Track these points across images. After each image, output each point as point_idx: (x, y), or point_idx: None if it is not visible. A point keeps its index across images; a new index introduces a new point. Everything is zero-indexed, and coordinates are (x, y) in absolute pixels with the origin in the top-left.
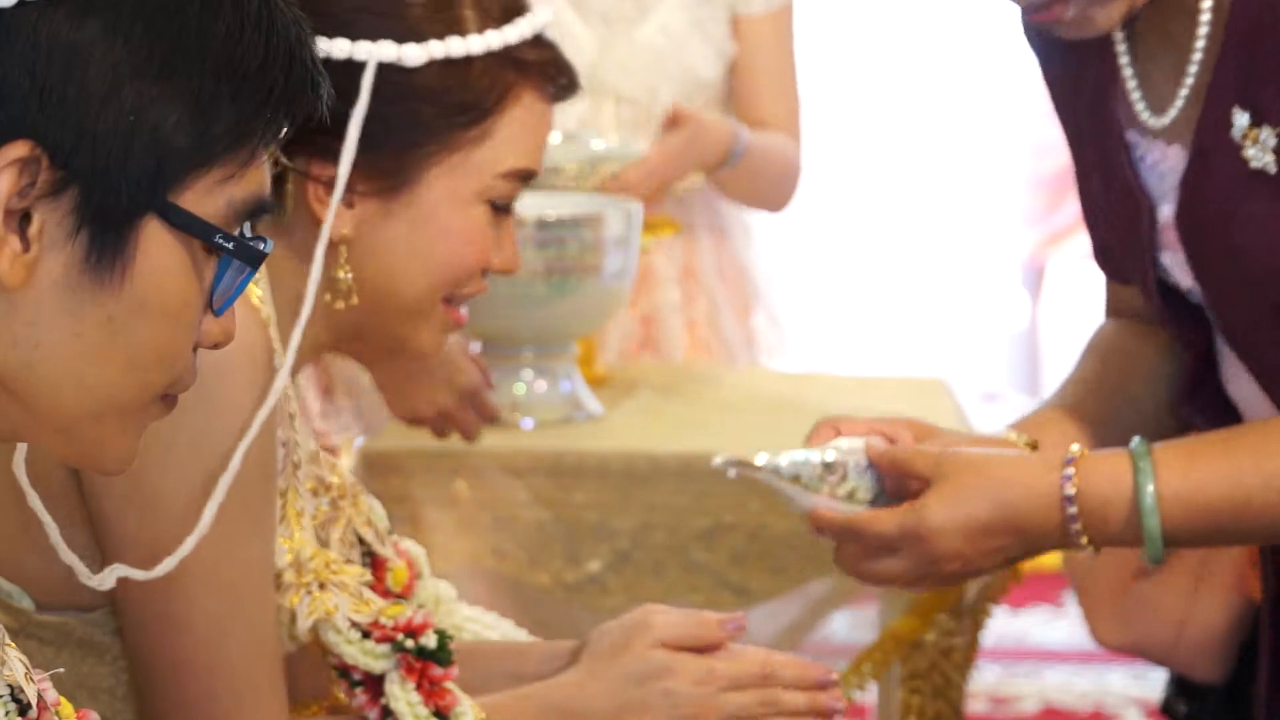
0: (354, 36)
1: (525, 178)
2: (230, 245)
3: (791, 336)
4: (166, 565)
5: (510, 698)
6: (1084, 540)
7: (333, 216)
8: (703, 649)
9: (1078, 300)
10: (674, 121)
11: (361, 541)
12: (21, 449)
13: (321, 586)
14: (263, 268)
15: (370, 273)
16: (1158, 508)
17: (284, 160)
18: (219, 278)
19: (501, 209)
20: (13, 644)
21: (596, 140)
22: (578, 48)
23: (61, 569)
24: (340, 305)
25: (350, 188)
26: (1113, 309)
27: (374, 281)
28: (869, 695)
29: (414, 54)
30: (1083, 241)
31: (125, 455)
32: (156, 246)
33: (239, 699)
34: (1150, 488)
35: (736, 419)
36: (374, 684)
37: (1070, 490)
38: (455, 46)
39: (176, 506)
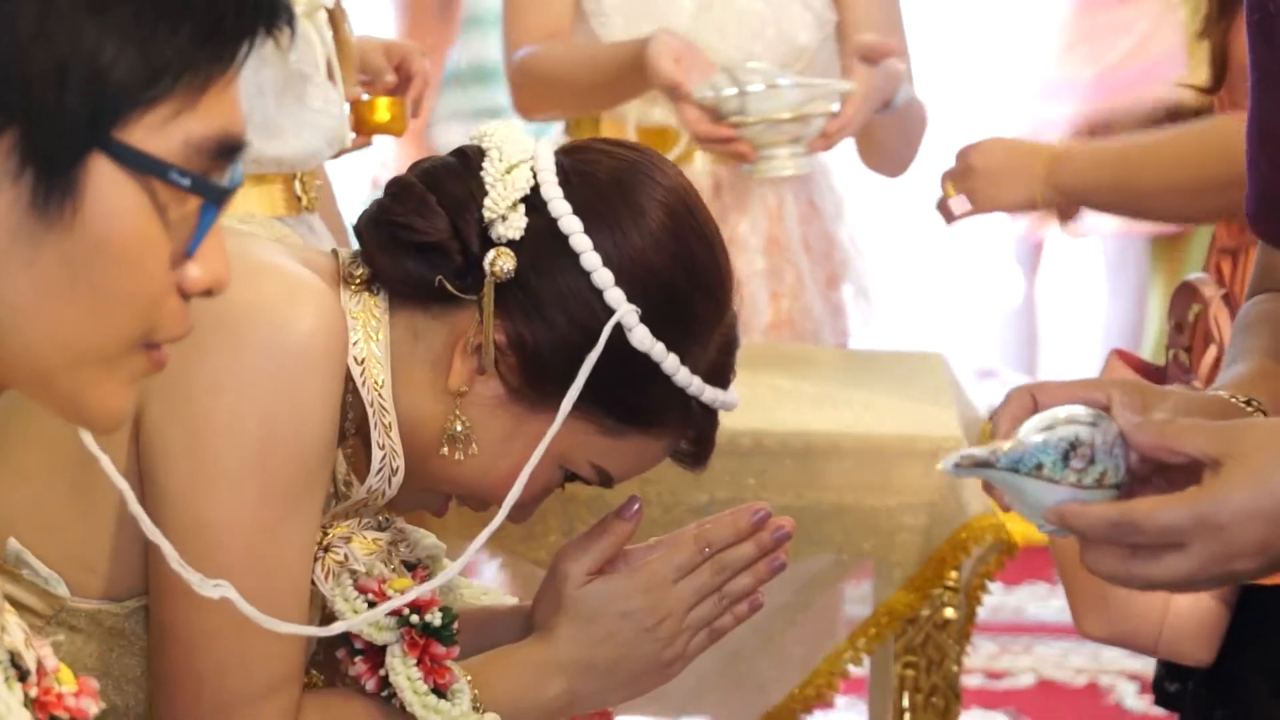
0: (618, 278)
1: (604, 482)
2: (187, 182)
3: (881, 309)
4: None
5: (486, 659)
6: None
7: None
8: (624, 553)
9: (1075, 277)
10: (872, 54)
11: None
12: None
13: (327, 550)
14: (386, 323)
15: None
16: None
17: (485, 292)
18: (203, 221)
19: (568, 480)
20: (12, 610)
21: (781, 79)
22: (676, 9)
23: (103, 553)
24: (459, 457)
25: (498, 360)
26: (1264, 283)
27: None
28: (864, 669)
29: (642, 339)
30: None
31: (112, 410)
32: (108, 185)
33: (249, 675)
34: None
35: None
36: (375, 655)
37: None
38: (669, 364)
39: (227, 477)
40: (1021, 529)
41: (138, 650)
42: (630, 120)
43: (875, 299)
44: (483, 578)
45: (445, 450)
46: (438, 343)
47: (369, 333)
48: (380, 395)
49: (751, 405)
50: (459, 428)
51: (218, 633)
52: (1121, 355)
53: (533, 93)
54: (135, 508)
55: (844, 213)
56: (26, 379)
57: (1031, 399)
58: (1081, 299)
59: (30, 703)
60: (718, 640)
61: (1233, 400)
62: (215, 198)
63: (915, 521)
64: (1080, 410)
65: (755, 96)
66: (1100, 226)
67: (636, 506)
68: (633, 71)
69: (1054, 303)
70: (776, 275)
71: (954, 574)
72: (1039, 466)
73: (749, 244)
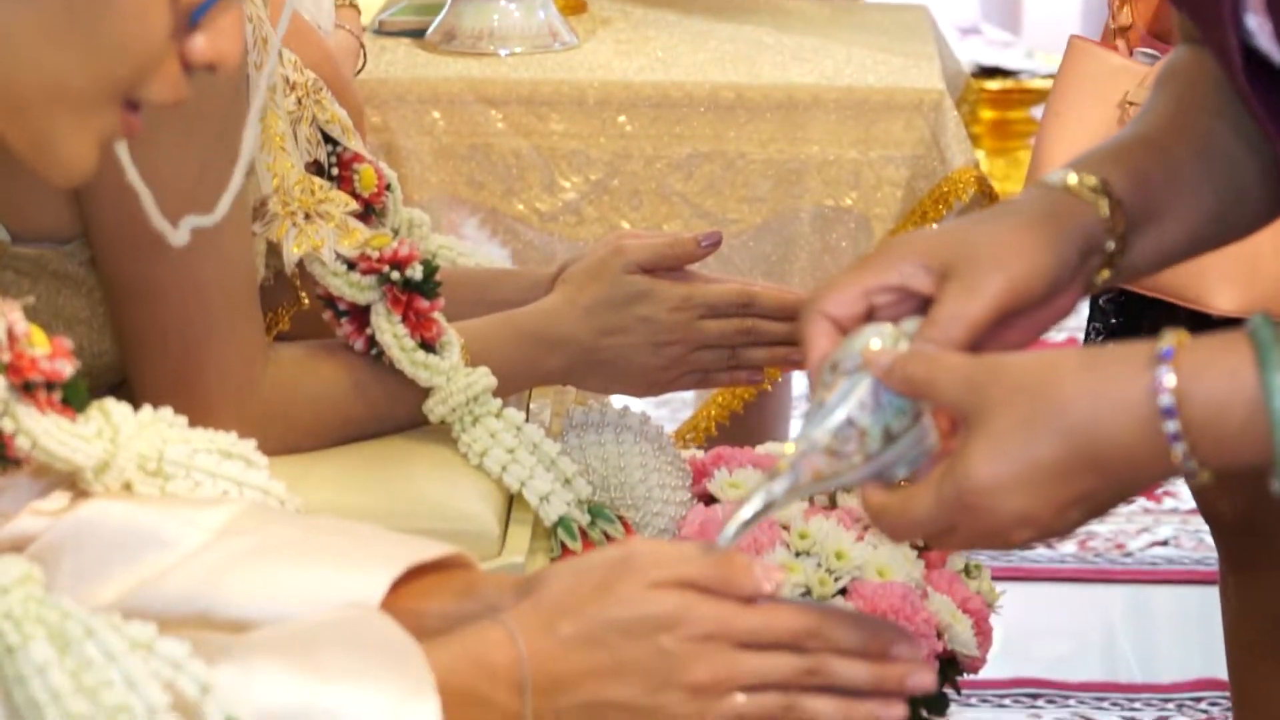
0: None
1: None
2: None
3: None
4: (223, 206)
5: (487, 324)
6: (1194, 464)
7: None
8: (679, 268)
9: None
10: None
11: (328, 139)
12: None
13: (307, 217)
14: None
15: None
16: None
17: None
18: None
19: None
20: None
21: None
22: None
23: (36, 200)
24: None
25: None
26: (1183, 35)
27: None
28: None
29: None
30: None
31: (76, 163)
32: None
33: (212, 322)
34: None
35: (714, 48)
36: (360, 315)
37: (1167, 399)
38: None
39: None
40: (1003, 187)
41: (84, 292)
42: None
43: None
44: (463, 233)
45: None
46: None
47: None
48: None
49: (734, 58)
50: None
51: (174, 281)
52: (1080, 40)
53: None
54: (150, 205)
55: None
56: (2, 108)
57: (830, 324)
58: None
59: (3, 368)
60: (701, 389)
61: (1080, 187)
62: None
63: (897, 174)
64: (852, 342)
65: None
66: None
67: (714, 242)
68: None
69: None
70: None
71: (935, 227)
72: (818, 474)
73: None
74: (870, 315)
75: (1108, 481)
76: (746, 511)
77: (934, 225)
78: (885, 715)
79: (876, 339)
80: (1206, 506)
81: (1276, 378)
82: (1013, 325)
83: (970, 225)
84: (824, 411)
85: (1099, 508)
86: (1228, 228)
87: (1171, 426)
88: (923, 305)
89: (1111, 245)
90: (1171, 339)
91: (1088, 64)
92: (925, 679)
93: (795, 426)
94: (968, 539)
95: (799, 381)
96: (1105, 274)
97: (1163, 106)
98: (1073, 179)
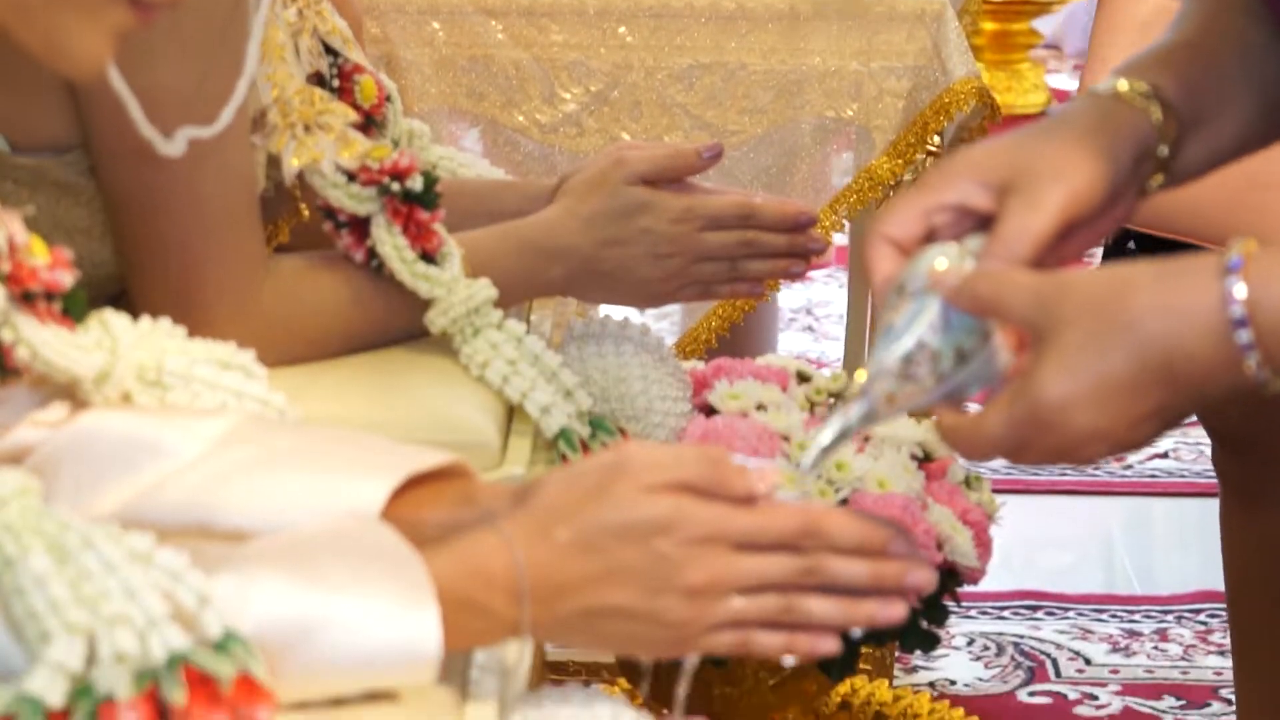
0: None
1: None
2: None
3: None
4: (225, 118)
5: (488, 235)
6: (1267, 373)
7: None
8: (680, 180)
9: None
10: None
11: (329, 50)
12: None
13: (307, 129)
14: None
15: None
16: None
17: None
18: None
19: None
20: None
21: None
22: None
23: (35, 109)
24: None
25: None
26: None
27: None
28: (844, 239)
29: None
30: None
31: (90, 58)
32: None
33: (211, 234)
34: None
35: None
36: (359, 226)
37: (1239, 309)
38: None
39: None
40: (1004, 99)
41: (84, 201)
42: None
43: None
44: (462, 145)
45: None
46: None
47: None
48: None
49: None
50: None
51: (173, 191)
52: None
53: None
54: (138, 115)
55: None
56: (6, 8)
57: (892, 247)
58: None
59: (3, 278)
60: (701, 301)
61: (1131, 93)
62: None
63: (899, 85)
64: (918, 264)
65: None
66: None
67: (716, 153)
68: None
69: None
70: None
71: (936, 139)
72: (891, 398)
73: None
74: (930, 235)
75: (1180, 394)
76: (825, 437)
77: (936, 136)
78: (885, 615)
79: (942, 259)
80: (1210, 418)
81: None
82: (1071, 237)
83: (1025, 139)
84: (893, 335)
85: (1171, 420)
86: (1273, 126)
87: (1244, 337)
88: (982, 223)
89: (1165, 150)
90: (1239, 249)
91: (1126, 5)
92: (924, 576)
93: (784, 339)
94: (1040, 456)
95: (787, 296)
96: (1159, 179)
97: (1197, 10)
98: (1123, 85)
